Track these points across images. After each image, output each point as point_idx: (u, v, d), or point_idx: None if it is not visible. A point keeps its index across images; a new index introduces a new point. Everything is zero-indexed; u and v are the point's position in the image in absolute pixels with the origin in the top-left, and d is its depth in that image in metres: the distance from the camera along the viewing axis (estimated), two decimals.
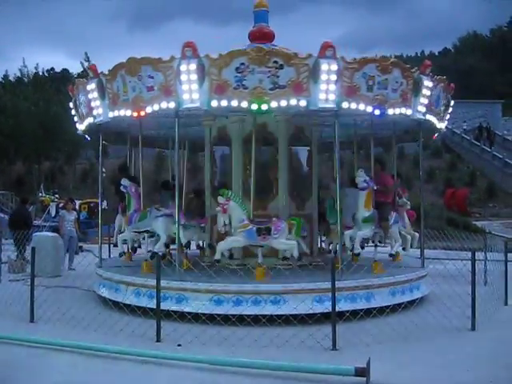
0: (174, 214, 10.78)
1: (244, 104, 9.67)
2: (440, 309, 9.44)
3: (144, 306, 9.47)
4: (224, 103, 9.70)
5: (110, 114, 10.82)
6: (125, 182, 12.30)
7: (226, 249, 10.83)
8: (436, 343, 8.07)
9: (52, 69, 73.78)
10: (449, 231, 19.90)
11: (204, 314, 9.01)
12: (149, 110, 10.06)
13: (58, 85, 48.60)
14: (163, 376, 6.81)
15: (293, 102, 9.69)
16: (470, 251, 9.37)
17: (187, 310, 9.33)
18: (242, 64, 9.47)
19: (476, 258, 9.08)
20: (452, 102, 12.74)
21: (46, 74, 67.21)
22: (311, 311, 8.96)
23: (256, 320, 8.81)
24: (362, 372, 6.31)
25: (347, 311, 8.92)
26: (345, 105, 9.88)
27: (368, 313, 9.17)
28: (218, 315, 8.97)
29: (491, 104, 59.99)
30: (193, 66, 9.48)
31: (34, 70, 53.69)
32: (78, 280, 13.10)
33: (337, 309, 8.12)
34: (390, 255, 11.72)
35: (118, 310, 9.86)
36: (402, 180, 13.27)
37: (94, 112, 11.22)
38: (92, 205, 30.64)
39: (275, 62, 9.49)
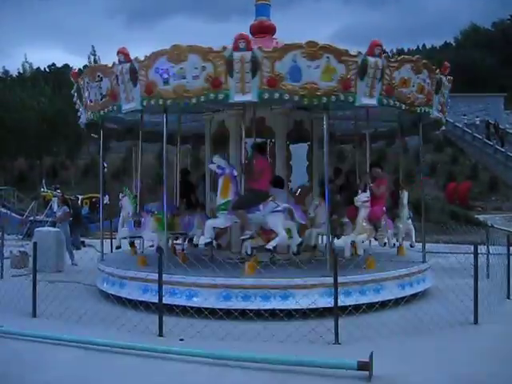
0: None
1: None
2: (442, 302, 9.44)
3: (146, 301, 9.48)
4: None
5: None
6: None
7: (120, 237, 12.45)
8: (438, 337, 8.06)
9: (53, 64, 73.75)
10: (451, 225, 19.91)
11: (206, 309, 9.00)
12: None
13: (59, 80, 48.66)
14: (165, 370, 6.80)
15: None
16: (472, 245, 9.36)
17: (191, 304, 9.32)
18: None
19: (478, 251, 9.06)
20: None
21: (48, 70, 67.28)
22: (313, 305, 8.96)
23: (258, 314, 8.80)
24: (365, 366, 6.30)
25: (349, 305, 8.92)
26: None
27: (370, 307, 9.16)
28: (220, 310, 8.97)
29: (493, 97, 59.76)
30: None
31: (36, 66, 53.70)
32: (80, 275, 13.11)
33: (339, 303, 8.11)
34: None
35: (121, 304, 9.86)
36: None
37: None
38: (94, 200, 30.68)
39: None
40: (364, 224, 10.89)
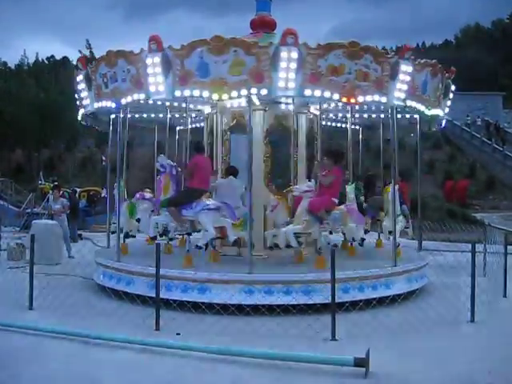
0: None
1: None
2: (439, 300, 9.47)
3: (143, 295, 9.48)
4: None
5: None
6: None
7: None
8: (435, 334, 8.07)
9: (52, 56, 73.50)
10: (448, 223, 19.92)
11: (203, 304, 9.00)
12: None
13: (58, 72, 48.54)
14: (162, 365, 6.80)
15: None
16: (469, 243, 9.37)
17: (187, 299, 9.32)
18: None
19: (475, 250, 9.07)
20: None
21: (46, 62, 67.07)
22: (311, 301, 8.96)
23: (255, 310, 8.80)
24: (362, 362, 6.31)
25: (346, 302, 8.92)
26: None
27: (367, 303, 9.17)
28: (218, 304, 8.96)
29: (492, 96, 59.76)
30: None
31: (34, 58, 53.58)
32: (77, 268, 13.09)
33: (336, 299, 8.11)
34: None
35: (118, 298, 9.85)
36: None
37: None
38: (91, 193, 30.65)
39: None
40: (302, 215, 10.59)
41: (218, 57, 9.52)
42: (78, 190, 30.00)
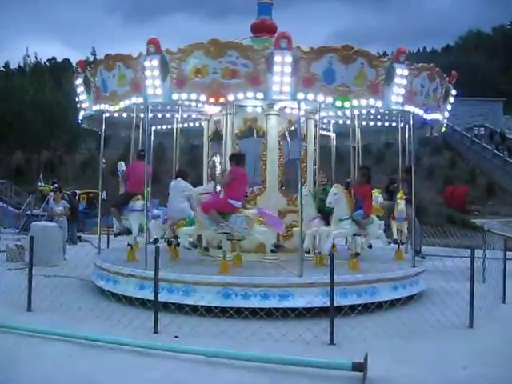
0: None
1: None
2: (438, 305, 9.44)
3: (142, 298, 9.47)
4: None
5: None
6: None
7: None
8: (433, 340, 8.06)
9: (53, 58, 73.63)
10: (448, 228, 19.91)
11: (202, 307, 8.99)
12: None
13: (59, 74, 48.57)
14: (160, 367, 6.79)
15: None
16: (468, 248, 9.36)
17: (187, 302, 9.31)
18: None
19: (475, 255, 9.07)
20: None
21: (48, 64, 67.15)
22: (309, 305, 8.95)
23: (254, 313, 8.80)
24: (360, 367, 6.29)
25: (345, 306, 8.91)
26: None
27: (366, 308, 9.16)
28: (216, 308, 8.96)
29: (493, 102, 59.81)
30: None
31: (35, 60, 53.61)
32: (76, 270, 13.08)
33: (335, 303, 8.10)
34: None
35: (116, 300, 9.84)
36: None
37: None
38: (91, 195, 30.66)
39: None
40: (199, 216, 10.62)
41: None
42: (78, 192, 30.04)
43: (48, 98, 44.78)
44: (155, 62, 9.72)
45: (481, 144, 50.33)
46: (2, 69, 56.03)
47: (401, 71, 10.03)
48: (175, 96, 9.98)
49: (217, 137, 12.89)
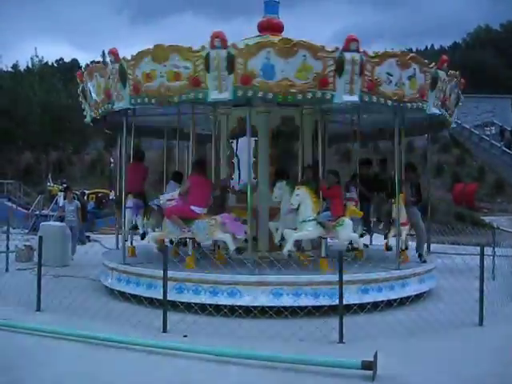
0: None
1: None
2: (447, 303, 9.43)
3: (150, 297, 9.49)
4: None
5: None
6: None
7: None
8: (443, 338, 8.04)
9: (61, 59, 73.83)
10: (457, 226, 19.86)
11: (210, 305, 9.00)
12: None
13: (67, 75, 48.67)
14: (169, 367, 6.80)
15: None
16: (478, 246, 9.33)
17: (195, 301, 9.33)
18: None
19: (484, 253, 9.03)
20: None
21: (55, 65, 67.33)
22: (318, 303, 8.94)
23: (263, 312, 8.79)
24: (369, 365, 6.28)
25: (354, 304, 8.90)
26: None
27: (375, 306, 9.15)
28: (225, 306, 8.96)
29: (501, 99, 59.53)
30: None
31: (44, 61, 53.76)
32: (85, 270, 13.13)
33: (344, 302, 8.09)
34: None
35: (125, 300, 9.87)
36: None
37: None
38: (100, 195, 30.74)
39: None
40: (165, 222, 11.04)
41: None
42: (87, 192, 30.13)
43: (56, 99, 44.90)
44: (115, 71, 10.35)
45: (489, 141, 50.09)
46: (10, 69, 56.12)
47: (351, 58, 9.45)
48: (133, 101, 10.36)
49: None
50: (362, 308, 8.94)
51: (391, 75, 9.91)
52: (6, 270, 14.08)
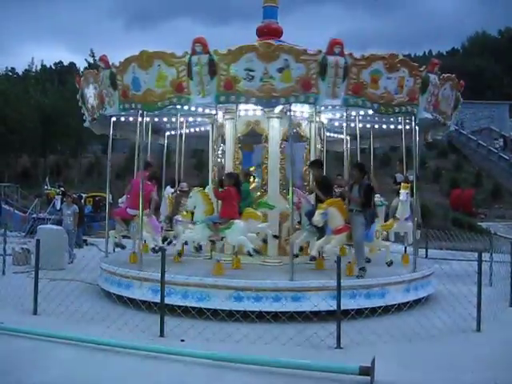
0: None
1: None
2: (445, 309, 9.41)
3: (148, 300, 9.47)
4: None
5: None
6: None
7: None
8: (441, 343, 8.03)
9: (60, 62, 73.88)
10: (454, 231, 19.85)
11: (208, 310, 8.98)
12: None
13: (65, 78, 48.74)
14: (166, 371, 6.78)
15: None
16: (475, 252, 9.33)
17: (193, 305, 9.31)
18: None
19: (482, 258, 9.02)
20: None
21: (54, 68, 67.38)
22: (316, 309, 8.92)
23: (260, 317, 8.77)
24: (367, 371, 6.27)
25: (352, 309, 8.88)
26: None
27: (373, 311, 9.13)
28: (223, 311, 8.94)
29: (498, 105, 59.72)
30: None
31: (42, 64, 53.82)
32: (82, 273, 13.08)
33: (342, 307, 8.07)
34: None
35: (122, 303, 9.84)
36: None
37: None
38: (97, 198, 30.66)
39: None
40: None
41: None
42: (84, 195, 30.06)
43: (53, 102, 44.92)
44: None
45: (486, 147, 50.19)
46: (8, 73, 56.21)
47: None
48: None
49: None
50: (359, 313, 8.92)
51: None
52: (3, 273, 14.05)
